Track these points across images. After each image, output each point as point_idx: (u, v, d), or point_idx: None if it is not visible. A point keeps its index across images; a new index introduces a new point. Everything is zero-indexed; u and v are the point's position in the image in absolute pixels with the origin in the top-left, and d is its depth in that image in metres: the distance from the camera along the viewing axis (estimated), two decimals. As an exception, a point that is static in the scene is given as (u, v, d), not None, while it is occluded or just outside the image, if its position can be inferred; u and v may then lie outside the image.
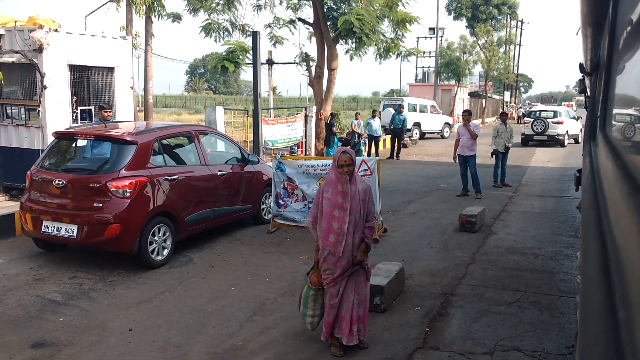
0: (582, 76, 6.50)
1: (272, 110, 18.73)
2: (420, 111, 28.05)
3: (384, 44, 17.11)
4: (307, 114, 17.38)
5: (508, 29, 50.33)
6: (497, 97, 56.56)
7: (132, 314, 5.53)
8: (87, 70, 10.33)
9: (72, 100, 10.03)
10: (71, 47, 9.95)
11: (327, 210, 4.55)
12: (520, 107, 58.84)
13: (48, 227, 6.78)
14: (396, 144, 19.93)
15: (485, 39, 42.61)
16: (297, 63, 18.82)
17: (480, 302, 5.90)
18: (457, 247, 8.04)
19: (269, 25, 18.62)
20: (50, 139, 8.54)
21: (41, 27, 9.65)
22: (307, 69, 18.42)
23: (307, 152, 17.12)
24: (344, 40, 17.37)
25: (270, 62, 20.90)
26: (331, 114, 17.35)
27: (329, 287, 4.62)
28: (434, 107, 29.69)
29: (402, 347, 4.84)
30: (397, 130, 19.96)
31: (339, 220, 4.49)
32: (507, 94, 58.07)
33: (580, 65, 5.21)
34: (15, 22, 10.40)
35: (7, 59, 9.75)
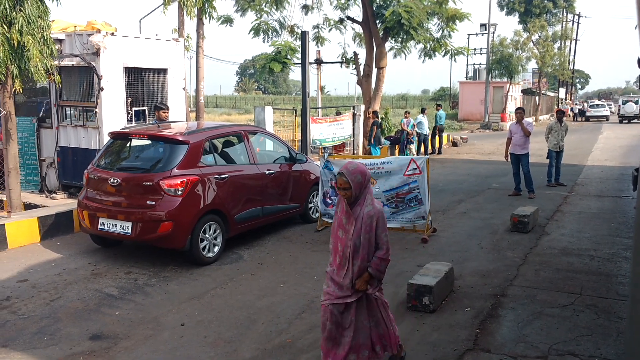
0: (643, 71, 6.23)
1: (320, 110, 18.78)
2: None
3: (431, 42, 16.91)
4: (355, 112, 17.35)
5: (564, 23, 48.76)
6: (551, 94, 54.99)
7: (185, 309, 5.66)
8: (141, 72, 10.63)
9: (127, 101, 10.36)
10: (126, 50, 10.28)
11: (335, 228, 4.19)
12: (577, 104, 56.98)
13: (104, 224, 7.03)
14: (437, 140, 20.77)
15: (540, 34, 41.40)
16: (345, 62, 18.83)
17: (533, 304, 5.74)
18: (508, 248, 7.86)
19: (316, 26, 18.70)
20: (106, 139, 8.85)
21: (99, 31, 10.00)
22: (355, 68, 18.40)
23: (355, 151, 17.09)
24: (392, 39, 17.26)
25: (318, 62, 20.99)
26: (373, 112, 17.28)
27: (323, 307, 4.17)
28: None
29: (451, 349, 4.77)
30: (440, 127, 20.88)
31: (342, 242, 4.07)
32: (562, 91, 56.38)
33: (639, 60, 5.00)
34: (75, 27, 10.81)
35: (67, 62, 10.15)
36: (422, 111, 20.41)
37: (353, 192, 3.95)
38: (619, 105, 45.18)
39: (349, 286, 4.05)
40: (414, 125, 18.29)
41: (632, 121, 42.27)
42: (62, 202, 10.07)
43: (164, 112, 9.26)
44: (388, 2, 16.77)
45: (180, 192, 6.83)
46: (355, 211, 3.99)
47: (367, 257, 4.02)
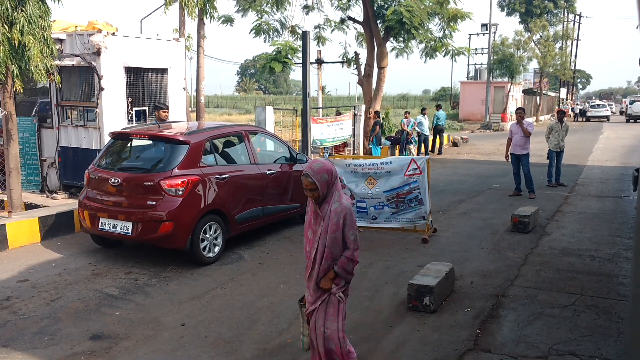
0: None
1: (320, 110, 18.79)
2: None
3: (431, 42, 16.91)
4: (356, 112, 17.35)
5: (565, 23, 48.73)
6: (552, 94, 54.96)
7: (185, 309, 5.66)
8: (142, 72, 10.64)
9: (127, 101, 10.36)
10: (127, 50, 10.28)
11: (305, 229, 4.06)
12: (577, 104, 57.02)
13: (105, 224, 7.03)
14: (437, 140, 20.84)
15: (541, 34, 41.37)
16: (346, 62, 18.83)
17: (533, 305, 5.74)
18: (509, 248, 7.85)
19: (318, 27, 18.71)
20: (106, 139, 8.85)
21: (99, 31, 10.01)
22: (356, 68, 18.40)
23: (356, 151, 17.09)
24: (393, 38, 17.26)
25: (319, 62, 20.97)
26: (375, 112, 17.30)
27: (307, 315, 4.04)
28: None
29: (452, 349, 4.77)
30: (439, 127, 20.89)
31: (310, 244, 3.96)
32: (563, 91, 56.36)
33: (641, 60, 4.99)
34: (76, 27, 10.81)
35: (68, 62, 10.16)
36: (422, 111, 20.44)
37: (320, 192, 3.81)
38: (627, 105, 47.02)
39: (315, 288, 3.94)
40: (415, 125, 18.30)
41: (638, 120, 42.72)
42: (62, 202, 10.08)
43: (164, 112, 9.26)
44: (389, 2, 16.78)
45: (180, 192, 6.83)
46: (323, 209, 3.85)
47: (334, 257, 3.85)
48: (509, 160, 11.96)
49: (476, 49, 48.60)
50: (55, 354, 4.72)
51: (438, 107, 22.00)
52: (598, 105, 50.78)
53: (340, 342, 3.93)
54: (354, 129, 17.08)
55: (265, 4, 17.03)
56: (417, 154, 18.20)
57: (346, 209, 3.80)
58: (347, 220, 3.80)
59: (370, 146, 16.92)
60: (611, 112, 50.85)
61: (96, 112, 10.12)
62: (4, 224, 7.75)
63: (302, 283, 6.41)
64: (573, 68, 52.57)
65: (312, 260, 3.92)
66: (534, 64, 43.84)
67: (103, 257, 7.42)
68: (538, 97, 45.94)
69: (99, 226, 7.08)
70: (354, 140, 17.14)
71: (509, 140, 11.95)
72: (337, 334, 3.92)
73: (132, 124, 10.20)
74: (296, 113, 15.36)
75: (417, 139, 18.65)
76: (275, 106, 27.22)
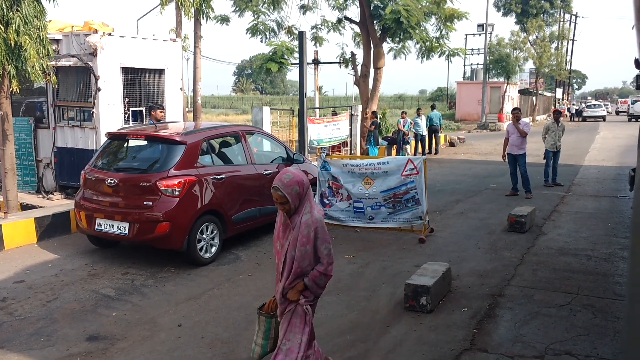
0: (640, 72, 6.25)
1: (317, 110, 18.80)
2: None
3: (427, 43, 16.93)
4: (353, 113, 17.36)
5: (561, 23, 48.85)
6: (548, 94, 55.06)
7: (182, 310, 5.66)
8: (138, 73, 10.62)
9: (124, 101, 10.34)
10: (124, 50, 10.26)
11: (274, 240, 3.88)
12: (574, 104, 57.25)
13: (101, 225, 7.01)
14: (434, 140, 20.81)
15: (537, 34, 41.47)
16: (343, 62, 18.84)
17: (530, 304, 5.75)
18: (505, 248, 7.87)
19: (315, 27, 18.71)
20: (103, 139, 8.83)
21: (96, 31, 9.99)
22: (353, 68, 18.41)
23: (353, 151, 17.10)
24: (389, 38, 17.27)
25: (316, 62, 20.97)
26: (372, 112, 17.31)
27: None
28: None
29: (448, 349, 4.78)
30: (434, 127, 20.81)
31: (278, 256, 3.77)
32: (559, 91, 56.50)
33: (636, 61, 5.00)
34: (72, 27, 10.79)
35: (64, 62, 10.14)
36: (417, 112, 20.52)
37: (292, 204, 3.58)
38: (629, 105, 49.58)
39: (281, 301, 3.75)
40: (411, 125, 18.33)
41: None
42: (59, 203, 10.05)
43: (161, 112, 9.27)
44: (385, 2, 16.80)
45: (177, 193, 6.82)
46: (293, 220, 3.64)
47: (303, 271, 3.64)
48: (506, 160, 11.98)
49: (472, 49, 48.70)
50: (51, 355, 4.70)
51: (432, 107, 22.04)
52: (594, 105, 51.29)
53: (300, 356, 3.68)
54: (350, 129, 17.09)
55: (261, 5, 17.03)
56: (414, 154, 18.24)
57: (317, 222, 3.61)
58: (319, 233, 3.61)
59: (367, 146, 16.93)
60: (607, 112, 51.23)
61: (92, 112, 10.10)
62: (0, 225, 7.72)
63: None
64: (569, 68, 52.73)
65: (280, 273, 3.73)
66: (529, 64, 43.94)
67: (99, 257, 7.41)
68: (534, 97, 46.03)
69: (96, 227, 7.06)
70: (350, 141, 17.15)
71: (505, 140, 11.97)
72: (298, 351, 3.67)
73: (128, 124, 10.19)
74: (293, 113, 15.36)
75: (413, 140, 18.70)
76: (272, 106, 27.20)
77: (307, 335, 3.72)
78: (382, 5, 16.85)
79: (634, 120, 44.31)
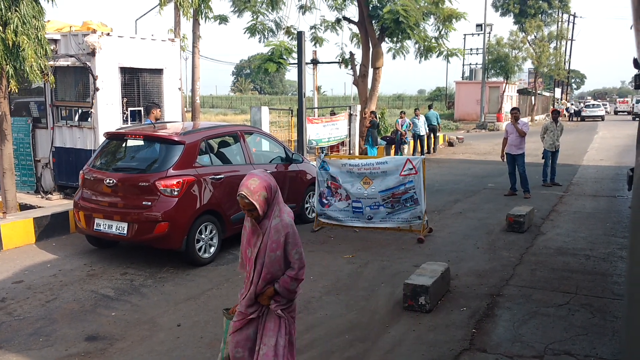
0: (638, 71, 6.25)
1: (316, 110, 18.81)
2: None
3: (425, 43, 16.95)
4: (352, 112, 17.36)
5: (559, 23, 48.90)
6: (547, 94, 55.11)
7: (181, 310, 5.65)
8: (137, 72, 10.61)
9: (122, 101, 10.33)
10: (122, 50, 10.25)
11: (243, 246, 3.71)
12: (572, 104, 57.35)
13: (100, 225, 7.01)
14: (432, 139, 20.98)
15: (535, 34, 41.50)
16: (342, 62, 18.85)
17: (529, 304, 5.76)
18: (504, 248, 7.87)
19: (313, 27, 18.72)
20: (101, 139, 8.82)
21: (94, 31, 9.98)
22: (352, 68, 18.42)
23: (351, 151, 17.10)
24: (388, 38, 17.28)
25: (315, 62, 20.98)
26: (371, 112, 17.32)
27: (234, 330, 3.65)
28: None
29: (447, 348, 4.78)
30: (432, 127, 20.90)
31: (249, 263, 3.59)
32: (557, 91, 56.56)
33: (634, 61, 5.01)
34: (71, 27, 10.78)
35: (62, 62, 10.13)
36: (415, 111, 20.58)
37: (260, 210, 3.42)
38: (633, 104, 52.08)
39: (248, 305, 3.57)
40: (410, 125, 18.34)
41: None
42: (57, 203, 10.04)
43: (159, 111, 9.27)
44: (384, 3, 16.81)
45: (176, 193, 6.82)
46: (263, 225, 3.48)
47: (273, 278, 3.50)
48: (505, 160, 11.99)
49: (471, 49, 48.80)
50: (50, 355, 4.70)
51: (430, 107, 22.17)
52: (593, 105, 51.47)
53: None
54: (349, 129, 17.10)
55: (260, 5, 17.03)
56: (413, 154, 18.25)
57: (288, 227, 3.46)
58: (290, 238, 3.46)
59: (366, 146, 16.94)
60: (606, 111, 51.39)
61: (91, 112, 10.09)
62: (-1, 225, 7.72)
63: (298, 283, 6.42)
64: (567, 68, 52.77)
65: (249, 280, 3.57)
66: (528, 64, 43.97)
67: (98, 258, 7.40)
68: (533, 97, 46.08)
69: (94, 227, 7.06)
70: (349, 140, 17.15)
71: (504, 140, 11.98)
72: (274, 353, 3.51)
73: (127, 124, 10.17)
74: (292, 113, 15.36)
75: (411, 139, 18.72)
76: (271, 106, 27.19)
77: (284, 338, 3.58)
78: (380, 5, 16.86)
79: (638, 119, 44.33)
